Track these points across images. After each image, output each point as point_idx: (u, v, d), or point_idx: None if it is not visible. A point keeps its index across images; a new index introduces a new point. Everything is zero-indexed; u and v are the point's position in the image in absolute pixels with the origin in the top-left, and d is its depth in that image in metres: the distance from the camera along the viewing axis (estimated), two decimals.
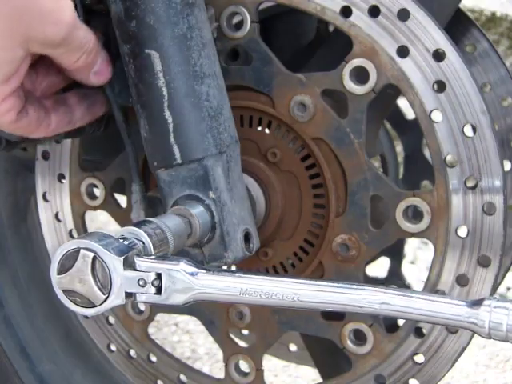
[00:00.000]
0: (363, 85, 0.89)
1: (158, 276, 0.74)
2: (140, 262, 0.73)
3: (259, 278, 0.76)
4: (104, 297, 0.73)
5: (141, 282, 0.73)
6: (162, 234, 0.78)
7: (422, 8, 0.85)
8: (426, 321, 0.74)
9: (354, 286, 0.74)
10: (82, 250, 0.72)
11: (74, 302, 0.74)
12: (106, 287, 0.72)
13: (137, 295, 0.74)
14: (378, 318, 0.94)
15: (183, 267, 0.74)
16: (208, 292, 0.75)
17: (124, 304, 0.74)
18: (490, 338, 0.70)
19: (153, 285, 0.74)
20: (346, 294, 0.74)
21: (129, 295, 0.73)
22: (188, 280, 0.74)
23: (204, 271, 0.75)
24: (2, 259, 1.22)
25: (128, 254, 0.72)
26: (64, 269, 0.73)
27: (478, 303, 0.71)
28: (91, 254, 0.72)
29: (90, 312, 0.74)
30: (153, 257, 0.75)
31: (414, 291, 0.78)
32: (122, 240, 0.74)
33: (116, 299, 0.73)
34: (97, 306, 0.73)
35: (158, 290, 0.74)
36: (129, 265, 0.73)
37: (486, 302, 0.70)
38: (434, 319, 0.73)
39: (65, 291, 0.74)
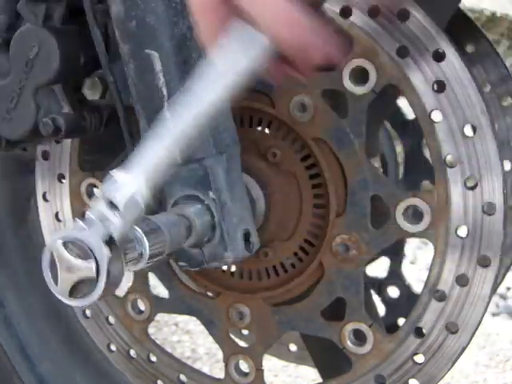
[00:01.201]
0: (363, 85, 0.89)
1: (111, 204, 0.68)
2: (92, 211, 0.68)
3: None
4: (93, 262, 0.68)
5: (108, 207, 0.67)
6: (160, 233, 0.78)
7: (422, 8, 0.85)
8: None
9: None
10: (49, 247, 0.69)
11: (86, 295, 0.69)
12: (86, 254, 0.68)
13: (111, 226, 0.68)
14: (378, 318, 0.94)
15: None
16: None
17: (117, 254, 0.69)
18: None
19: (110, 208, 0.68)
20: None
21: (109, 242, 0.68)
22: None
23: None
24: (2, 259, 1.22)
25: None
26: (54, 276, 0.69)
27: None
28: (59, 241, 0.68)
29: (101, 286, 0.68)
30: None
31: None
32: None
33: (103, 251, 0.68)
34: (100, 276, 0.68)
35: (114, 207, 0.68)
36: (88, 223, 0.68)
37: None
38: None
39: (71, 293, 0.70)
